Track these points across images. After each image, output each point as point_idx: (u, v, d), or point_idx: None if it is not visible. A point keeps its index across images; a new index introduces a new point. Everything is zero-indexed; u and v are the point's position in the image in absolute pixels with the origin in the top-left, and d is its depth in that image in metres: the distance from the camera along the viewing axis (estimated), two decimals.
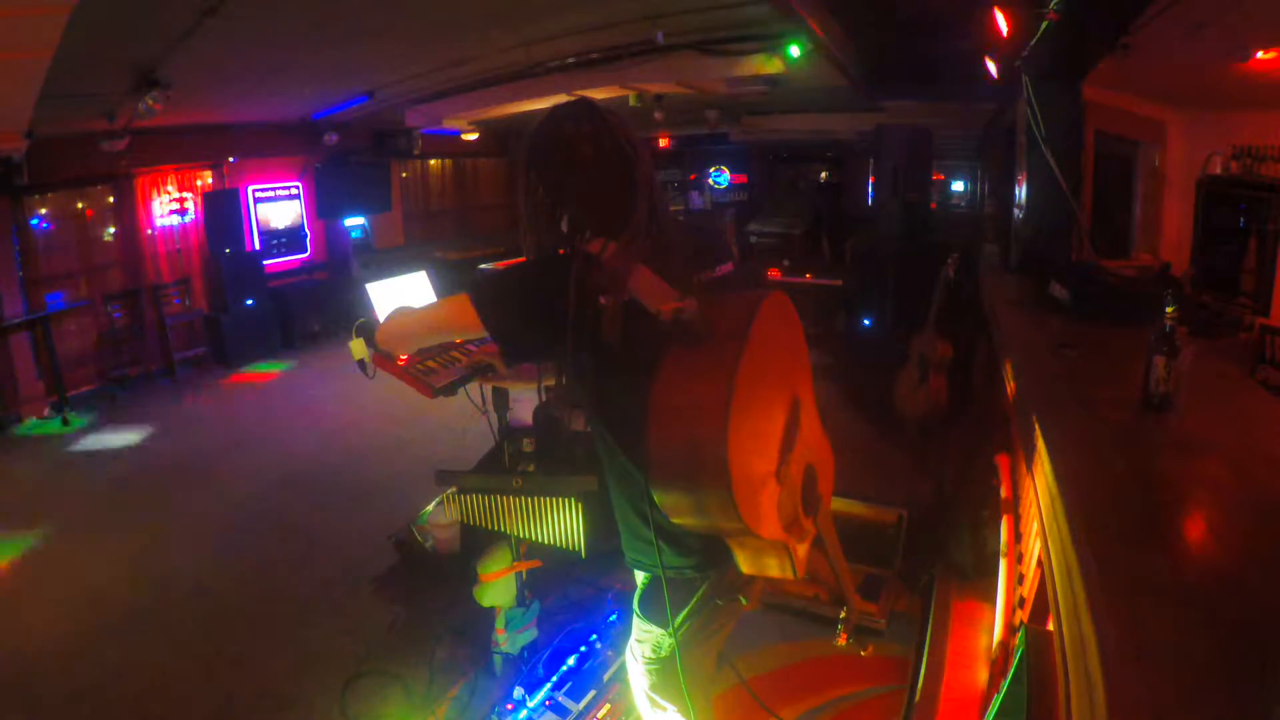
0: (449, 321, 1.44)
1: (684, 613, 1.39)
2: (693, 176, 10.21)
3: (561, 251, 1.36)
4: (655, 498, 1.18)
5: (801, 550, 1.30)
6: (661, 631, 1.43)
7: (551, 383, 1.42)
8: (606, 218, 1.33)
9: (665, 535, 1.32)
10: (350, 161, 8.10)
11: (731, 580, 1.39)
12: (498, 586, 2.51)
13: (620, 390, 1.29)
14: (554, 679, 2.50)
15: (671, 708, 1.52)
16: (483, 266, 5.49)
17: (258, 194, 7.64)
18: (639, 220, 1.32)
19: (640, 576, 1.47)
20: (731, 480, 1.09)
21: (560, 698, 2.44)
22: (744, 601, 1.44)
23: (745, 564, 1.31)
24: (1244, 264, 4.27)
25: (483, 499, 2.10)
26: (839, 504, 3.29)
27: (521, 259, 1.42)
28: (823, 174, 9.38)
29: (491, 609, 2.57)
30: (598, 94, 5.75)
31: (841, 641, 1.51)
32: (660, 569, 1.35)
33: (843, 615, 1.53)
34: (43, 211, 6.13)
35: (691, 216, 9.29)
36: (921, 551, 3.07)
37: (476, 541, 2.97)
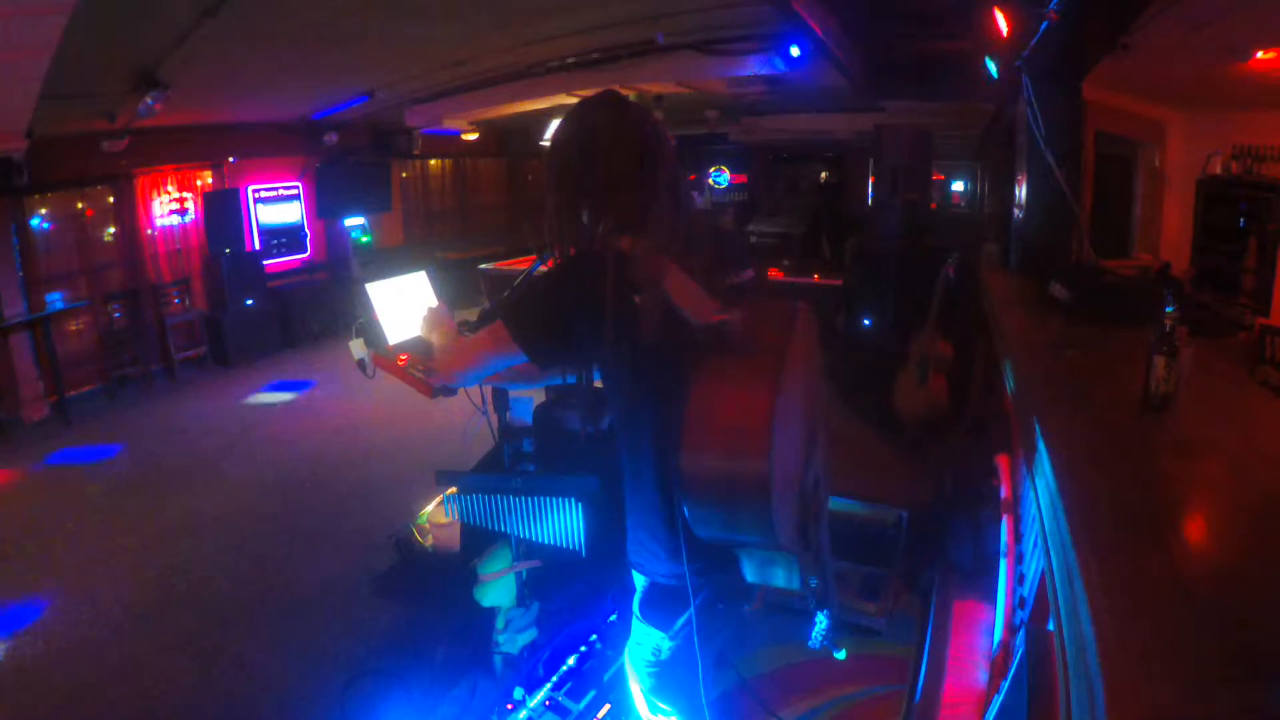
0: (493, 348, 1.37)
1: (681, 619, 1.39)
2: (693, 176, 10.20)
3: (592, 249, 1.32)
4: (686, 509, 1.17)
5: (807, 560, 1.30)
6: (662, 634, 1.43)
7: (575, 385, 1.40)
8: (627, 212, 1.28)
9: (671, 542, 1.31)
10: (350, 161, 8.09)
11: (732, 584, 1.39)
12: (498, 586, 2.52)
13: (650, 393, 1.26)
14: (554, 679, 2.50)
15: (671, 709, 1.52)
16: (483, 266, 5.49)
17: (258, 194, 7.64)
18: (661, 215, 1.28)
19: (640, 579, 1.47)
20: (771, 497, 1.09)
21: (560, 698, 2.44)
22: (746, 607, 1.44)
23: (752, 572, 1.30)
24: (1244, 264, 4.27)
25: (483, 499, 2.10)
26: (839, 505, 3.29)
27: (529, 258, 1.42)
28: (823, 174, 9.37)
29: (491, 609, 2.58)
30: None
31: (814, 647, 1.51)
32: (662, 576, 1.35)
33: (821, 623, 1.52)
34: (43, 211, 6.13)
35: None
36: (921, 551, 3.07)
37: (476, 541, 2.97)
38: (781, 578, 1.28)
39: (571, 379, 1.45)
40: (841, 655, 1.56)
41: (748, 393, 1.13)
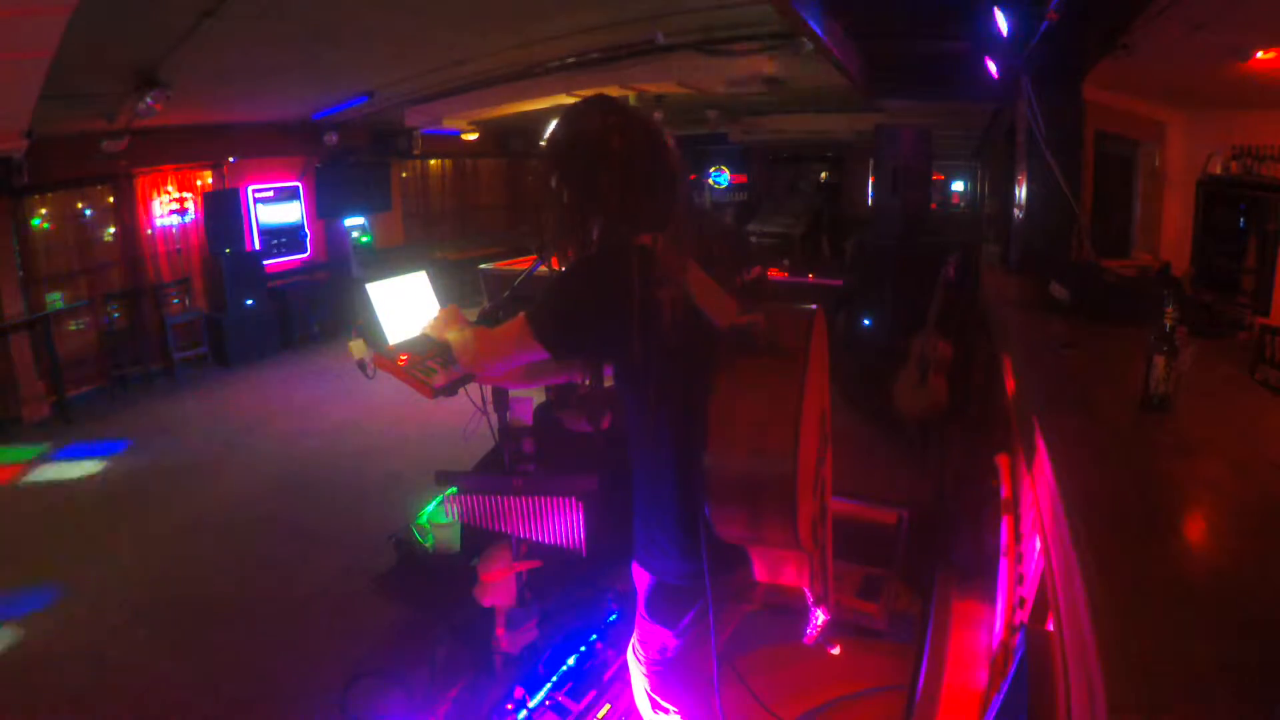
0: (516, 343, 1.34)
1: (688, 618, 1.39)
2: (693, 176, 10.22)
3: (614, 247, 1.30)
4: (709, 508, 1.17)
5: (816, 558, 1.31)
6: (667, 633, 1.43)
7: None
8: (642, 213, 1.27)
9: (686, 541, 1.31)
10: (350, 161, 8.09)
11: (736, 584, 1.39)
12: (498, 586, 2.51)
13: (672, 391, 1.26)
14: (554, 679, 2.49)
15: (673, 709, 1.52)
16: (483, 266, 5.49)
17: (258, 194, 7.64)
18: (677, 215, 1.28)
19: (644, 579, 1.46)
20: (795, 496, 1.10)
21: (560, 698, 2.44)
22: (747, 607, 1.44)
23: (763, 572, 1.31)
24: (1244, 264, 4.27)
25: (483, 499, 2.10)
26: (839, 505, 3.30)
27: (529, 258, 1.42)
28: (823, 174, 9.38)
29: (491, 609, 2.57)
30: None
31: (809, 643, 1.51)
32: (671, 576, 1.35)
33: (819, 621, 1.52)
34: (43, 211, 6.13)
35: None
36: (921, 551, 3.07)
37: (476, 541, 2.97)
38: (793, 575, 1.29)
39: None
40: (835, 653, 1.57)
41: (772, 394, 1.14)
